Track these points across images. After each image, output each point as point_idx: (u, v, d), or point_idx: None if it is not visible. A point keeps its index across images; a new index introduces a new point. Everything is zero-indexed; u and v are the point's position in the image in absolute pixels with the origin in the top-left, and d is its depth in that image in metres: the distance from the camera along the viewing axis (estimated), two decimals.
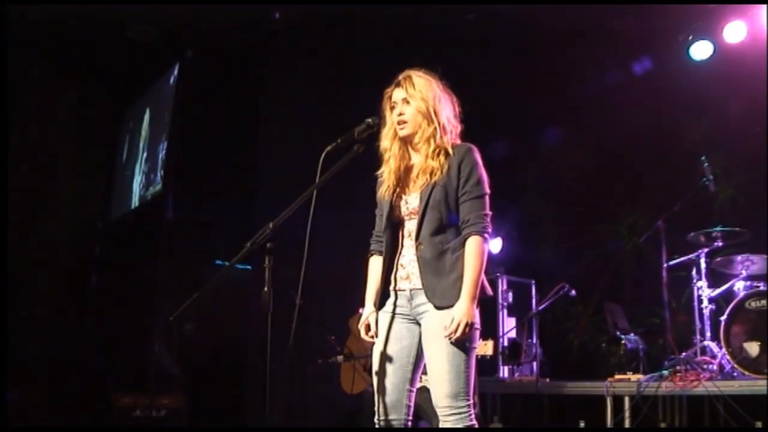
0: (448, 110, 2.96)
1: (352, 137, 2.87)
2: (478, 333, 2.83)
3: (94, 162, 7.52)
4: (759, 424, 4.63)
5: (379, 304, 2.97)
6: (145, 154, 7.30)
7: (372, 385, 4.72)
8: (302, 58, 6.75)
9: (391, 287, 2.95)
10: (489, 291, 2.90)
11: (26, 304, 6.48)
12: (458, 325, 2.70)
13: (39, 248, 6.77)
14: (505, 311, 6.79)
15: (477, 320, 2.79)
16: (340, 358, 5.15)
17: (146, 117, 7.43)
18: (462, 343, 2.73)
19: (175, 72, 6.81)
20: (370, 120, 2.90)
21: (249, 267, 5.79)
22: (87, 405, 6.25)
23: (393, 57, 6.16)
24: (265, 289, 2.58)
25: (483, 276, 2.86)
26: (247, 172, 6.84)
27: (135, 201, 7.28)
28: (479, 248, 2.80)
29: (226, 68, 6.70)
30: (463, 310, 2.72)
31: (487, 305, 2.93)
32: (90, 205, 7.49)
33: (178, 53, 6.73)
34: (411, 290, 2.88)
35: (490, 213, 2.87)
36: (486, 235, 2.83)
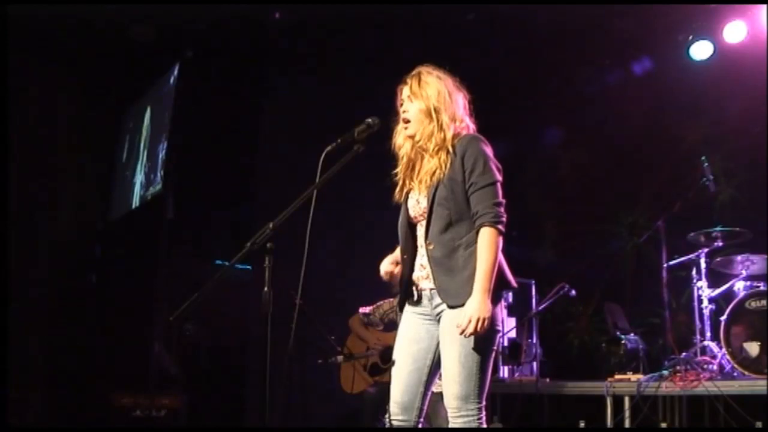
0: (456, 105, 2.92)
1: (352, 137, 2.86)
2: (497, 335, 2.75)
3: (94, 162, 7.51)
4: (759, 424, 4.63)
5: (401, 304, 2.96)
6: (145, 154, 7.29)
7: (372, 385, 4.72)
8: (302, 58, 6.75)
9: (414, 288, 2.92)
10: (513, 283, 2.82)
11: (26, 304, 6.48)
12: (469, 321, 2.61)
13: (39, 248, 6.76)
14: (505, 311, 6.78)
15: (498, 319, 2.73)
16: (340, 358, 5.14)
17: (146, 117, 7.43)
18: (477, 343, 2.67)
19: (175, 72, 6.80)
20: (370, 120, 2.89)
21: (249, 267, 5.79)
22: (87, 405, 6.24)
23: (393, 57, 6.18)
24: (265, 289, 2.57)
25: (505, 267, 2.80)
26: (247, 172, 6.84)
27: (135, 201, 7.27)
28: (490, 239, 2.69)
29: (226, 68, 6.70)
30: (475, 305, 2.62)
31: None
32: (90, 205, 7.48)
33: (178, 53, 6.72)
34: (431, 290, 2.85)
35: (502, 201, 2.77)
36: (499, 225, 2.71)
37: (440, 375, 2.84)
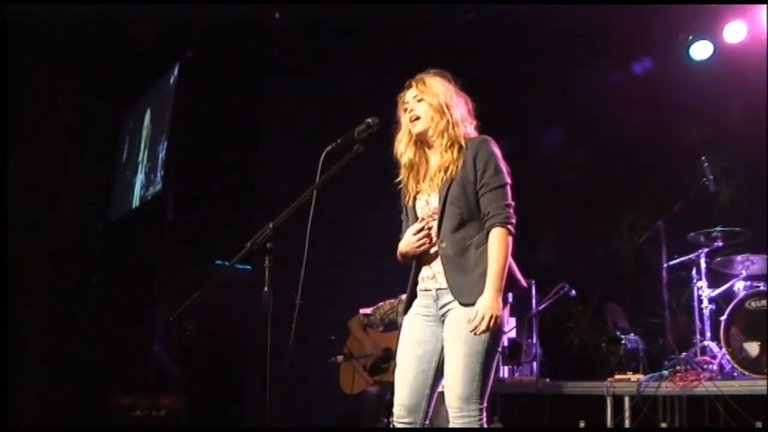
0: (461, 106, 2.96)
1: (352, 137, 2.87)
2: (503, 337, 2.80)
3: (94, 162, 7.50)
4: (759, 424, 4.63)
5: (406, 306, 2.95)
6: (145, 154, 7.29)
7: (372, 385, 4.71)
8: (302, 58, 6.75)
9: (418, 288, 2.93)
10: (523, 283, 2.87)
11: (26, 304, 6.48)
12: (482, 318, 2.64)
13: (39, 248, 6.76)
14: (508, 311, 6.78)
15: (505, 319, 2.73)
16: (340, 358, 5.15)
17: (146, 117, 7.43)
18: (482, 344, 2.68)
19: (175, 72, 6.79)
20: (370, 120, 2.89)
21: (249, 267, 5.79)
22: (87, 405, 6.24)
23: (393, 57, 6.19)
24: (265, 289, 2.57)
25: (515, 268, 2.83)
26: (248, 171, 6.84)
27: (135, 201, 7.27)
28: (502, 240, 2.76)
29: (226, 68, 6.70)
30: (488, 303, 2.66)
31: None
32: (90, 205, 7.47)
33: (178, 53, 6.72)
34: (437, 290, 2.85)
35: (512, 203, 2.84)
36: (509, 226, 2.79)
37: None
